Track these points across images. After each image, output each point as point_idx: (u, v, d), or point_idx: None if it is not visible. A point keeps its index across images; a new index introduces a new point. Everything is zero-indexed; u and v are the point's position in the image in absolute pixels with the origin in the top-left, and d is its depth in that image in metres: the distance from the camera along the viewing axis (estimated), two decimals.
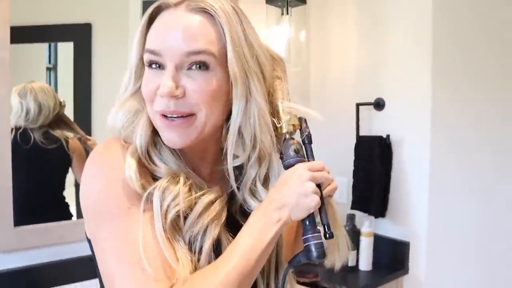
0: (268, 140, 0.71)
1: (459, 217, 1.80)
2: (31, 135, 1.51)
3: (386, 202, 1.79)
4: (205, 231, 0.67)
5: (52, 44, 1.71)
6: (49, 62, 1.71)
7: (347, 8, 1.94)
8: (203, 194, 0.69)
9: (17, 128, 1.46)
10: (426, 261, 1.71)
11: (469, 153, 1.81)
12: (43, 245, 1.40)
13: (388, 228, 1.81)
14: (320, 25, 2.04)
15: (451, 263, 1.80)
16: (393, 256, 1.78)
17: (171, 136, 0.67)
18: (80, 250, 1.40)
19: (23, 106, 1.50)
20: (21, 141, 1.49)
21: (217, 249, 0.67)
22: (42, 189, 1.58)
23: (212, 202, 0.69)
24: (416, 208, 1.73)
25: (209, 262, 0.65)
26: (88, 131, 1.71)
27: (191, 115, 0.66)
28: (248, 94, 0.68)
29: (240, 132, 0.70)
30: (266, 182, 0.75)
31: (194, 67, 0.65)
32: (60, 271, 1.37)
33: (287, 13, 1.80)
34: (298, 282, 1.56)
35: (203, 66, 0.65)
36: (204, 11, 0.66)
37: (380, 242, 1.80)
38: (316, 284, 1.56)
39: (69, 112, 1.65)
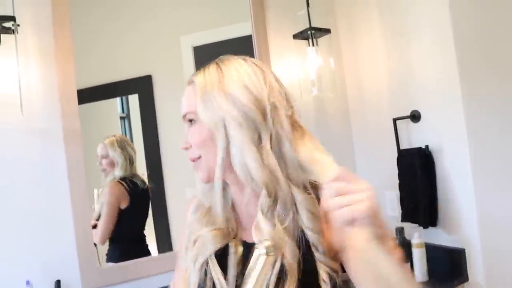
0: (263, 176, 0.77)
1: (511, 217, 1.76)
2: (136, 182, 1.79)
3: (435, 211, 1.81)
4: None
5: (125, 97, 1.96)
6: (122, 111, 1.96)
7: (372, 29, 2.03)
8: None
9: (123, 178, 1.75)
10: (484, 266, 1.70)
11: (509, 152, 1.78)
12: (124, 281, 1.62)
13: (441, 237, 1.82)
14: (349, 49, 2.14)
15: (510, 265, 1.76)
16: (450, 264, 1.78)
17: (197, 173, 0.87)
18: (158, 283, 1.58)
19: (126, 157, 1.77)
20: (134, 188, 1.77)
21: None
22: (136, 229, 1.83)
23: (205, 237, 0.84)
24: (465, 214, 1.73)
25: None
26: (159, 174, 1.93)
27: (199, 157, 0.84)
28: (225, 137, 0.79)
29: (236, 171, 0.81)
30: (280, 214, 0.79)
31: (188, 124, 0.85)
32: None
33: (313, 44, 1.92)
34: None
35: (191, 121, 0.84)
36: (191, 82, 0.85)
37: (435, 252, 1.81)
38: None
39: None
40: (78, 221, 1.56)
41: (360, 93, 2.15)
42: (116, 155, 1.77)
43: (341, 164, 2.34)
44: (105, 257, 1.69)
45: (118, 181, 1.75)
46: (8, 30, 1.39)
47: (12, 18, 1.39)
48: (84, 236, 1.57)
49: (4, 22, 1.39)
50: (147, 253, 1.78)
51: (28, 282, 1.45)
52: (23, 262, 1.47)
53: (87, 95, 1.74)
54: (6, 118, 1.47)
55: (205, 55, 2.04)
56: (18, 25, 1.41)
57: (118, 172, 1.76)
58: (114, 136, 1.80)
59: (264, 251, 0.72)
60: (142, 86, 2.02)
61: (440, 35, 1.74)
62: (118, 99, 1.95)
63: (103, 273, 1.61)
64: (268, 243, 0.73)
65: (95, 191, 1.74)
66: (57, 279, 1.46)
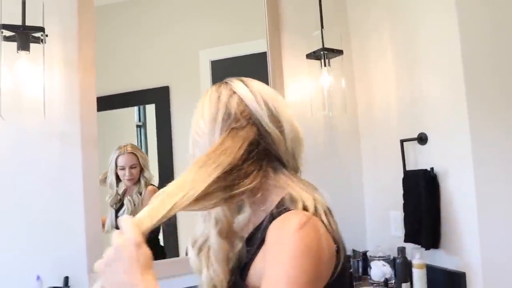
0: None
1: None
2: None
3: (438, 233, 1.82)
4: None
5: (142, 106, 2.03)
6: (139, 120, 2.05)
7: (384, 52, 2.08)
8: None
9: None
10: None
11: None
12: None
13: (442, 259, 1.83)
14: (361, 71, 2.20)
15: None
16: (449, 287, 1.79)
17: None
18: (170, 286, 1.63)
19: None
20: None
21: None
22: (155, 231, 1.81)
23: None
24: (468, 237, 1.74)
25: None
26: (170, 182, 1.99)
27: None
28: (193, 157, 0.87)
29: None
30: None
31: None
32: None
33: (325, 65, 1.99)
34: None
35: None
36: None
37: (435, 274, 1.82)
38: None
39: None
40: (90, 222, 1.64)
41: (370, 113, 2.19)
42: (145, 161, 1.86)
43: (349, 181, 2.39)
44: None
45: (154, 185, 1.85)
46: (37, 40, 1.50)
47: (41, 29, 1.49)
48: (94, 236, 1.64)
49: (34, 33, 1.49)
50: (162, 255, 1.84)
51: (38, 277, 1.53)
52: (35, 257, 1.56)
53: (106, 103, 1.83)
54: (30, 121, 1.57)
55: (222, 69, 2.12)
56: (47, 35, 1.51)
57: (148, 175, 1.85)
58: (126, 145, 1.88)
59: None
60: (160, 97, 2.10)
61: (450, 60, 1.78)
62: (135, 108, 2.03)
63: None
64: None
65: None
66: (66, 275, 1.53)
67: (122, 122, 2.06)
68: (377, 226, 2.21)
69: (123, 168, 1.82)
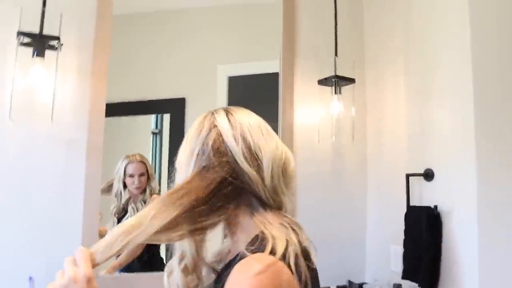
0: None
1: None
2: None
3: (437, 273, 1.78)
4: None
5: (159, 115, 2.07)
6: (156, 127, 2.08)
7: (397, 84, 2.07)
8: None
9: None
10: None
11: None
12: None
13: None
14: (373, 101, 2.19)
15: None
16: None
17: None
18: None
19: None
20: None
21: None
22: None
23: None
24: (467, 280, 1.69)
25: None
26: None
27: None
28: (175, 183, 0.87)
29: None
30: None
31: None
32: None
33: (336, 92, 1.98)
34: None
35: None
36: None
37: None
38: None
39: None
40: (87, 227, 1.67)
41: (379, 145, 2.17)
42: (152, 171, 1.89)
43: (353, 211, 2.34)
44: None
45: (158, 194, 1.87)
46: (52, 47, 1.55)
47: (57, 38, 1.54)
48: (90, 243, 1.65)
49: (50, 41, 1.54)
50: (161, 267, 1.84)
51: (30, 278, 1.55)
52: (29, 259, 1.59)
53: (122, 109, 1.90)
54: (39, 125, 1.61)
55: (239, 86, 2.15)
56: (62, 44, 1.56)
57: (154, 185, 1.88)
58: (134, 154, 1.90)
59: None
60: (175, 107, 2.14)
61: (461, 99, 1.75)
62: (153, 115, 2.07)
63: (103, 280, 1.69)
64: None
65: None
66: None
67: (137, 129, 2.10)
68: (377, 259, 2.16)
69: (132, 176, 1.85)
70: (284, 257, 0.72)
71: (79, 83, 1.69)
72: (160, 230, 0.75)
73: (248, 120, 0.86)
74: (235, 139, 0.82)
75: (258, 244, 0.75)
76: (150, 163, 1.95)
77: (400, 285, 1.79)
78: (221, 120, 0.85)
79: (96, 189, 1.70)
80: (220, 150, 0.82)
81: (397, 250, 1.95)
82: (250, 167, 0.80)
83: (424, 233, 1.79)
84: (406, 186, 1.92)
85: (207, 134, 0.84)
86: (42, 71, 1.55)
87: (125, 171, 1.85)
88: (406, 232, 1.89)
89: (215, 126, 0.84)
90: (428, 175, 1.87)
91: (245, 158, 0.81)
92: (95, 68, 1.71)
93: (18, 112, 1.52)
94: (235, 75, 2.17)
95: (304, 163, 2.06)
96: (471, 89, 1.71)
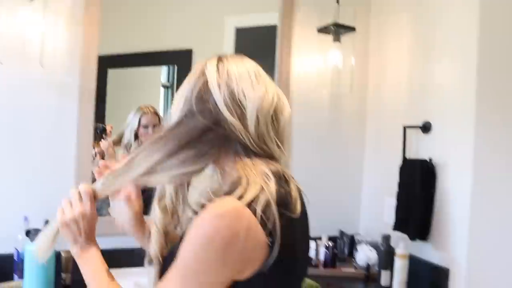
0: None
1: (503, 246, 1.70)
2: None
3: (428, 225, 1.78)
4: None
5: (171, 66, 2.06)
6: (168, 80, 2.07)
7: (401, 34, 2.00)
8: None
9: None
10: None
11: None
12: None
13: (429, 252, 1.79)
14: (376, 51, 2.12)
15: None
16: (431, 281, 1.75)
17: None
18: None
19: None
20: None
21: None
22: None
23: None
24: (457, 234, 1.69)
25: None
26: None
27: None
28: None
29: None
30: None
31: None
32: (126, 255, 1.63)
33: (335, 40, 1.92)
34: None
35: None
36: None
37: (419, 266, 1.79)
38: None
39: None
40: (80, 169, 1.70)
41: (379, 95, 2.12)
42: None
43: (350, 162, 2.33)
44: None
45: None
46: None
47: None
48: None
49: None
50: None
51: (25, 218, 1.60)
52: (23, 199, 1.64)
53: (128, 60, 1.90)
54: (29, 68, 1.60)
55: (246, 37, 2.10)
56: None
57: None
58: (147, 106, 1.91)
59: None
60: (182, 59, 2.11)
61: (465, 52, 1.69)
62: (164, 68, 2.05)
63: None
64: None
65: None
66: (47, 219, 1.59)
67: (147, 82, 2.09)
68: (372, 210, 2.17)
69: (146, 127, 1.86)
70: (251, 203, 0.71)
71: (71, 29, 1.67)
72: (145, 173, 0.80)
73: (237, 67, 0.83)
74: (219, 86, 0.80)
75: (230, 187, 0.75)
76: None
77: (389, 235, 1.80)
78: (211, 67, 0.84)
79: (89, 132, 1.72)
80: (203, 98, 0.81)
81: (391, 202, 1.95)
82: (232, 114, 0.79)
83: (417, 186, 1.77)
84: (403, 138, 1.89)
85: (196, 82, 0.83)
86: (33, 14, 1.53)
87: (139, 122, 1.85)
88: (400, 184, 1.87)
89: (204, 73, 0.83)
90: (426, 127, 1.83)
91: (227, 105, 0.79)
92: (87, 13, 1.68)
93: (8, 55, 1.51)
94: (242, 26, 2.11)
95: (300, 113, 2.03)
96: (475, 43, 1.65)
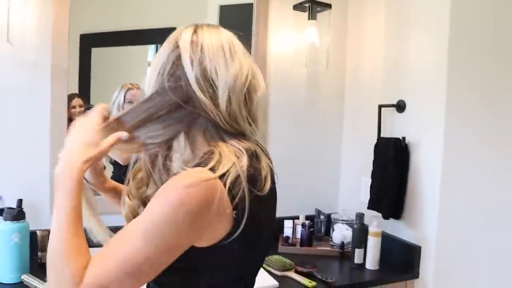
0: None
1: (471, 223, 1.72)
2: None
3: (401, 204, 1.79)
4: None
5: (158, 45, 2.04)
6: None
7: (377, 12, 1.98)
8: None
9: None
10: (434, 267, 1.69)
11: (482, 158, 1.72)
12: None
13: (402, 230, 1.81)
14: (353, 28, 2.10)
15: (461, 271, 1.73)
16: (404, 259, 1.78)
17: None
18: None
19: None
20: None
21: None
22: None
23: None
24: (428, 212, 1.71)
25: None
26: None
27: None
28: None
29: None
30: None
31: None
32: None
33: (310, 18, 1.90)
34: (296, 271, 1.68)
35: None
36: None
37: (392, 244, 1.81)
38: (312, 274, 1.66)
39: None
40: (54, 148, 1.70)
41: (356, 75, 2.12)
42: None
43: (328, 142, 2.33)
44: None
45: None
46: None
47: None
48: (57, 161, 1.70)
49: None
50: None
51: (0, 198, 1.62)
52: None
53: (113, 39, 1.88)
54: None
55: (230, 15, 2.08)
56: None
57: None
58: (132, 83, 1.90)
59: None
60: (166, 37, 2.09)
61: (437, 30, 1.68)
62: (152, 46, 2.03)
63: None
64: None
65: None
66: (20, 198, 1.60)
67: (133, 60, 2.07)
68: (349, 190, 2.18)
69: (131, 102, 1.86)
70: (222, 176, 0.72)
71: (40, 5, 1.65)
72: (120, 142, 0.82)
73: (211, 40, 0.82)
74: (191, 62, 0.80)
75: (202, 160, 0.76)
76: None
77: (363, 214, 1.81)
78: (185, 38, 0.82)
79: (63, 110, 1.71)
80: (175, 74, 0.80)
81: (367, 181, 1.96)
82: (203, 93, 0.78)
83: (390, 165, 1.78)
84: (378, 117, 1.89)
85: (168, 55, 0.82)
86: None
87: (124, 98, 1.86)
88: (374, 163, 1.88)
89: (178, 46, 0.82)
90: (400, 106, 1.83)
91: (198, 83, 0.79)
92: None
93: None
94: (226, 3, 2.09)
95: (277, 91, 2.03)
96: (447, 22, 1.64)
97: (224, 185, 0.72)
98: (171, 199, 0.70)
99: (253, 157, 0.80)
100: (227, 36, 0.85)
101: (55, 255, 0.73)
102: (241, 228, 0.74)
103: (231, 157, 0.76)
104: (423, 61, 1.74)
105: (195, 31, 0.83)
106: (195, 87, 0.79)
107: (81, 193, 0.79)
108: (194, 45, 0.81)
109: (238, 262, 0.81)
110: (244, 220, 0.74)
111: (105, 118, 0.84)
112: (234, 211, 0.73)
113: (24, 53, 1.64)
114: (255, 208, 0.76)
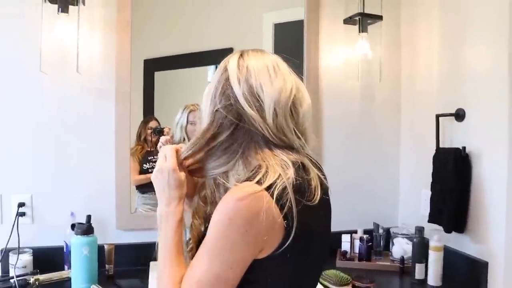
0: None
1: None
2: None
3: (463, 217, 1.71)
4: None
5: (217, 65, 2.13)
6: None
7: (431, 22, 1.93)
8: None
9: None
10: (503, 285, 1.58)
11: None
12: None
13: (466, 245, 1.72)
14: (407, 38, 2.06)
15: None
16: (469, 275, 1.68)
17: None
18: None
19: None
20: None
21: None
22: None
23: None
24: (495, 226, 1.61)
25: None
26: None
27: None
28: None
29: None
30: None
31: None
32: None
33: (361, 31, 1.90)
34: (353, 286, 1.65)
35: None
36: None
37: (456, 259, 1.72)
38: None
39: None
40: (119, 167, 1.83)
41: (412, 85, 2.06)
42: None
43: (386, 154, 2.27)
44: (141, 205, 1.94)
45: None
46: (73, 1, 1.65)
47: None
48: (122, 180, 1.83)
49: None
50: None
51: (72, 213, 1.75)
52: (70, 197, 1.78)
53: (172, 62, 1.98)
54: (67, 77, 1.74)
55: (284, 32, 2.13)
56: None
57: None
58: (193, 104, 1.99)
59: None
60: (223, 58, 2.17)
61: (496, 37, 1.60)
62: (211, 67, 2.14)
63: (135, 217, 1.87)
64: None
65: None
66: (89, 214, 1.72)
67: (194, 82, 2.18)
68: (409, 202, 2.11)
69: (193, 124, 1.95)
70: (269, 188, 0.77)
71: (105, 36, 1.79)
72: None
73: (256, 62, 0.88)
74: (238, 81, 0.86)
75: (251, 174, 0.81)
76: None
77: (423, 227, 1.75)
78: (232, 63, 0.89)
79: (126, 132, 1.83)
80: (225, 94, 0.87)
81: (427, 194, 1.89)
82: (251, 107, 0.84)
83: (450, 176, 1.71)
84: (436, 127, 1.83)
85: (219, 78, 0.89)
86: (68, 26, 1.67)
87: (187, 119, 1.96)
88: (433, 175, 1.82)
89: (226, 69, 0.89)
90: (459, 115, 1.76)
91: (246, 99, 0.84)
92: (119, 21, 1.79)
93: (50, 66, 1.66)
94: (280, 21, 2.15)
95: (330, 105, 2.03)
96: (506, 28, 1.56)
97: (272, 196, 0.76)
98: (224, 217, 0.76)
99: (300, 168, 0.83)
100: (271, 58, 0.91)
101: (160, 276, 0.86)
102: (291, 237, 0.76)
103: (277, 169, 0.79)
104: (481, 67, 1.67)
105: (241, 55, 0.90)
106: (242, 102, 0.84)
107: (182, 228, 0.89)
108: (241, 67, 0.87)
109: (292, 271, 0.83)
110: (294, 229, 0.76)
111: (177, 151, 0.91)
112: (285, 221, 0.76)
113: (91, 80, 1.78)
114: (305, 218, 0.79)
